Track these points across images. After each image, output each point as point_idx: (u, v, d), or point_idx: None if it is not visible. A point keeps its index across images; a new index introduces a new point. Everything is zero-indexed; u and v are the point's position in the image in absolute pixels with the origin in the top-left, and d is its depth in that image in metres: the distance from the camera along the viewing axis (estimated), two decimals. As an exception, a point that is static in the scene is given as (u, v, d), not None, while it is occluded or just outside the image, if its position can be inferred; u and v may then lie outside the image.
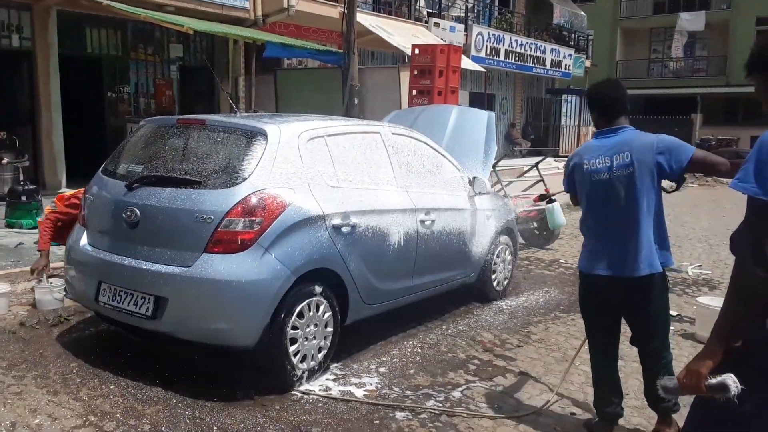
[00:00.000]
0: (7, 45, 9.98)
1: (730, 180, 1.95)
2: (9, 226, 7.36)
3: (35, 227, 7.07)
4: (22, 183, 7.82)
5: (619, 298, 3.18)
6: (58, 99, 10.38)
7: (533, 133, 22.97)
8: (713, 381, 1.83)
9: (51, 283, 4.84)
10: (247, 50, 12.53)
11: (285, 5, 11.95)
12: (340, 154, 4.15)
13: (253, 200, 3.52)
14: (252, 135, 3.78)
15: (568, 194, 3.47)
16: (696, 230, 10.37)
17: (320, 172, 3.95)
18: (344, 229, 3.96)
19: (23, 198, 7.50)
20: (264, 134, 3.76)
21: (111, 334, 4.49)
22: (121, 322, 3.89)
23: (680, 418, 3.49)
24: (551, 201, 5.11)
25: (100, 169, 4.29)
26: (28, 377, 3.76)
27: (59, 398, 3.51)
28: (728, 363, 1.84)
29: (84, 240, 4.09)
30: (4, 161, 9.08)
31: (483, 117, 6.39)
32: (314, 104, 10.61)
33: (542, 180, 8.44)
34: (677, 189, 3.26)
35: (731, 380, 1.80)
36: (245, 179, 3.58)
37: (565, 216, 8.14)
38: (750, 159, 1.80)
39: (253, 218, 3.50)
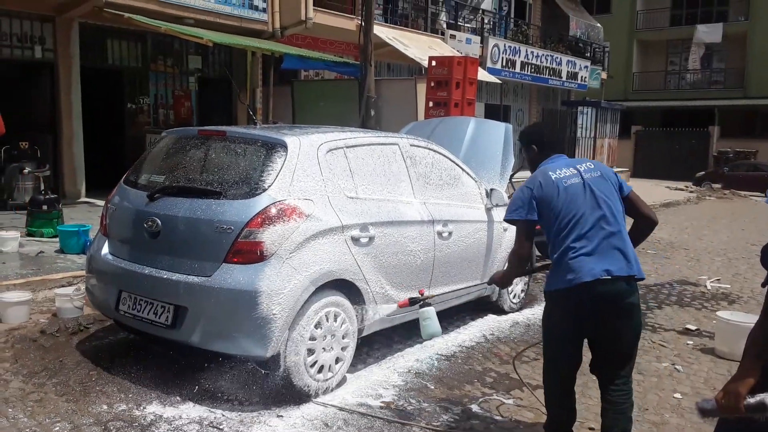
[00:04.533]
0: (30, 56, 10.17)
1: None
2: (30, 234, 7.46)
3: (55, 236, 7.17)
4: (43, 192, 7.92)
5: (605, 304, 2.87)
6: (79, 110, 10.55)
7: (549, 145, 22.85)
8: (752, 401, 1.80)
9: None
10: (265, 62, 12.66)
11: (303, 18, 12.08)
12: (358, 166, 4.18)
13: (273, 211, 3.55)
14: (272, 146, 3.82)
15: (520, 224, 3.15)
16: (714, 243, 10.27)
17: (339, 183, 3.97)
18: (363, 240, 3.97)
19: (44, 207, 7.60)
20: (284, 146, 3.79)
21: (130, 342, 4.53)
22: (140, 330, 3.93)
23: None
24: (425, 305, 3.77)
25: (122, 179, 4.35)
26: (48, 385, 3.80)
27: (79, 406, 3.54)
28: (763, 381, 1.81)
29: (105, 249, 4.14)
30: (26, 171, 9.23)
31: (500, 129, 6.39)
32: (331, 115, 10.67)
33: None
34: None
35: None
36: (265, 190, 3.61)
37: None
38: None
39: (273, 229, 3.52)
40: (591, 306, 2.87)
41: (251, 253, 3.50)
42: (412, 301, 3.87)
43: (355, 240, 3.93)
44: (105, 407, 3.53)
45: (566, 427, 3.15)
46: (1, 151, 9.53)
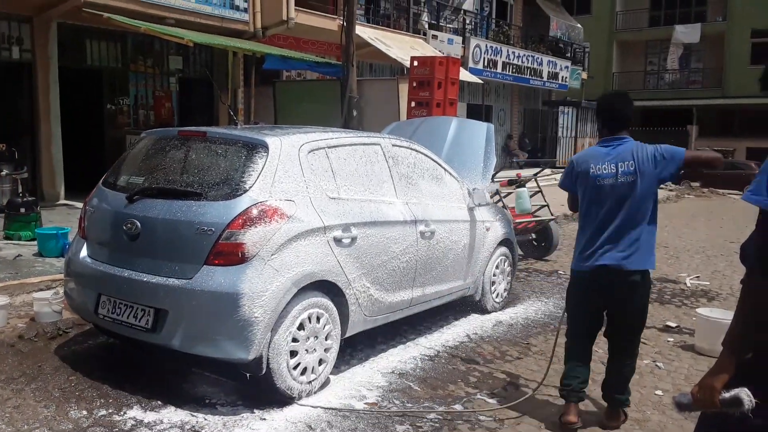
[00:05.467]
0: (8, 57, 10.00)
1: (728, 191, 1.98)
2: (7, 238, 7.34)
3: (34, 239, 7.07)
4: (20, 195, 7.80)
5: (608, 288, 3.44)
6: (58, 111, 10.40)
7: (530, 145, 23.05)
8: (726, 395, 1.81)
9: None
10: (246, 62, 12.58)
11: (284, 18, 12.02)
12: (340, 166, 4.16)
13: (254, 212, 3.52)
14: (253, 147, 3.79)
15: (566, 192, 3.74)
16: (693, 241, 10.40)
17: (321, 184, 3.96)
18: (345, 241, 3.96)
19: (22, 210, 7.48)
20: (265, 146, 3.76)
21: (110, 346, 4.47)
22: (120, 334, 3.87)
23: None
24: (520, 186, 5.22)
25: (101, 180, 4.30)
26: (26, 390, 3.74)
27: (58, 411, 3.49)
28: (740, 376, 1.83)
29: (84, 252, 4.08)
30: (3, 173, 9.07)
31: (482, 128, 6.41)
32: (313, 116, 10.64)
33: (540, 191, 8.47)
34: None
35: (745, 394, 1.78)
36: (246, 191, 3.58)
37: (561, 226, 8.12)
38: (763, 172, 1.81)
39: (255, 230, 3.50)
40: (601, 283, 3.45)
41: (232, 255, 3.47)
42: (510, 182, 4.70)
43: (338, 241, 3.91)
44: (84, 413, 3.49)
45: (577, 382, 3.58)
46: (-23, 153, 9.37)
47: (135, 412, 3.50)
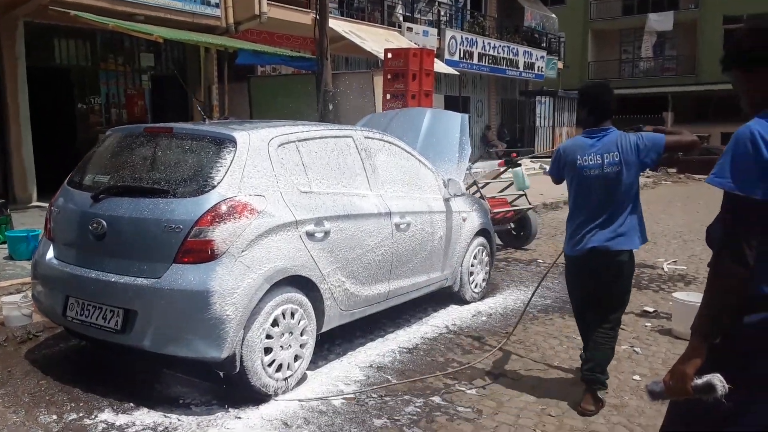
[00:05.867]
0: (-27, 58, 9.77)
1: (704, 177, 1.97)
2: (-23, 242, 7.17)
3: (4, 242, 6.92)
4: (-10, 198, 7.64)
5: (597, 271, 3.58)
6: (27, 112, 10.19)
7: (508, 135, 23.11)
8: (699, 382, 1.79)
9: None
10: (219, 58, 12.43)
11: (257, 12, 11.88)
12: (311, 160, 4.11)
13: (223, 208, 3.46)
14: (221, 142, 3.72)
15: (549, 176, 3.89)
16: (670, 226, 10.49)
17: (292, 178, 3.89)
18: (318, 235, 3.91)
19: (-9, 213, 7.32)
20: (233, 141, 3.69)
21: (81, 349, 4.38)
22: (90, 336, 3.79)
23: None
24: (517, 165, 5.53)
25: (66, 180, 4.20)
26: (-5, 397, 3.65)
27: (28, 417, 3.41)
28: (710, 361, 1.81)
29: (50, 253, 3.99)
30: (-28, 176, 8.87)
31: (456, 119, 6.39)
32: (288, 110, 10.55)
33: (518, 181, 8.47)
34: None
35: (718, 380, 1.76)
36: (214, 187, 3.51)
37: (539, 215, 8.17)
38: (726, 154, 1.79)
39: (224, 226, 3.43)
40: (591, 267, 3.60)
41: (202, 252, 3.40)
42: (507, 162, 5.23)
43: (310, 235, 3.86)
44: (54, 417, 3.41)
45: (587, 367, 3.70)
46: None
47: (106, 415, 3.43)
